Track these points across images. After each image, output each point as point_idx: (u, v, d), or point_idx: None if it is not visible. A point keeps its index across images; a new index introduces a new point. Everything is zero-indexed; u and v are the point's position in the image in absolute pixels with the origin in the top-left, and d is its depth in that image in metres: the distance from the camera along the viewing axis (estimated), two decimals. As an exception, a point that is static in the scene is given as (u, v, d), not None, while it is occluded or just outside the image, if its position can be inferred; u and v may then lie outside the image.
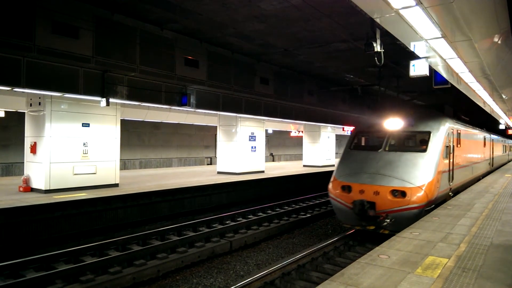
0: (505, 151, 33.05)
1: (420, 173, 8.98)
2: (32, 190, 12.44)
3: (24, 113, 13.28)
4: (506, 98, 13.60)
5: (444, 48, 6.52)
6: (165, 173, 20.53)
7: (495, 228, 7.19)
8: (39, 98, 12.19)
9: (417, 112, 11.34)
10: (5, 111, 18.18)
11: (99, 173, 13.42)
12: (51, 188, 12.07)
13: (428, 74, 7.45)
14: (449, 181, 10.65)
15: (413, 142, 10.73)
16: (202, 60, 13.09)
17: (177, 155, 30.88)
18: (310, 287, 7.25)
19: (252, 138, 20.55)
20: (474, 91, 11.21)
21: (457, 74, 8.58)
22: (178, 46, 12.17)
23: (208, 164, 31.67)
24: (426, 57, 7.04)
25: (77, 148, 12.80)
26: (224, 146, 20.29)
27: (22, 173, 13.29)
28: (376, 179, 9.09)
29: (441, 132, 9.84)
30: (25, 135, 13.10)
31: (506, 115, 20.36)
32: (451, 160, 10.78)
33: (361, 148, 10.92)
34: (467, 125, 14.81)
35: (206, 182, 16.02)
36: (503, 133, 32.71)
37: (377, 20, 5.32)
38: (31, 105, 12.70)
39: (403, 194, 8.68)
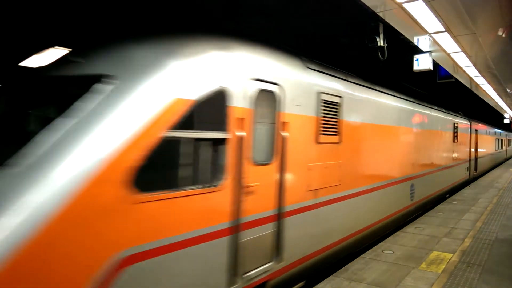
0: (501, 147, 26.07)
1: None
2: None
3: None
4: (511, 92, 13.51)
5: (448, 42, 6.48)
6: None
7: (500, 223, 7.16)
8: None
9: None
10: None
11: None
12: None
13: (431, 68, 7.38)
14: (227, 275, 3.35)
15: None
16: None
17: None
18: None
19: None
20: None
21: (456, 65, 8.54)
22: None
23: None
24: (430, 52, 6.99)
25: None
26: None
27: None
28: None
29: (156, 83, 2.87)
30: None
31: (510, 109, 20.25)
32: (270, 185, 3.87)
33: None
34: (391, 92, 7.17)
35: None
36: (508, 128, 31.46)
37: (380, 14, 5.28)
38: None
39: None
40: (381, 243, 5.84)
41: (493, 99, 15.37)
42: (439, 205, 8.99)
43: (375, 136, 6.28)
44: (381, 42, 6.51)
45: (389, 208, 6.82)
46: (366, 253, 5.34)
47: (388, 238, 6.12)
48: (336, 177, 4.99)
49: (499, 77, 10.18)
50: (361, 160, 5.78)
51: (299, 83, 4.32)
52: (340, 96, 5.07)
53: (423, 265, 4.79)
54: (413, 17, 5.18)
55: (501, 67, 8.97)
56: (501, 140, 25.73)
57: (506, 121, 27.52)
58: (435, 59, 7.60)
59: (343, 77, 5.39)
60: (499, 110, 20.84)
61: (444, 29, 5.74)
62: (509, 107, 19.14)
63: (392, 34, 6.50)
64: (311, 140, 4.49)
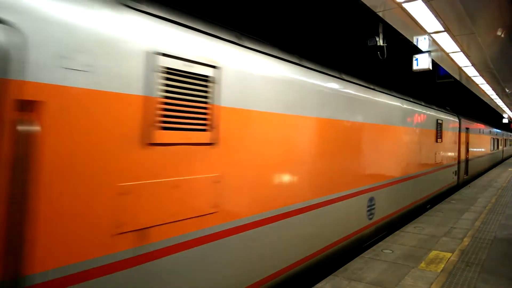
0: (497, 147, 24.88)
1: None
2: None
3: None
4: (509, 92, 13.54)
5: (447, 42, 6.50)
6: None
7: (499, 222, 7.18)
8: None
9: None
10: None
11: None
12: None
13: (431, 68, 7.40)
14: None
15: None
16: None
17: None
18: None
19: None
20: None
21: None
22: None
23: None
24: (429, 51, 7.01)
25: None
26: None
27: None
28: None
29: None
30: None
31: (509, 109, 20.28)
32: None
33: None
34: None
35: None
36: (506, 127, 31.40)
37: (380, 14, 5.29)
38: None
39: None
40: (380, 243, 5.85)
41: (492, 99, 15.39)
42: (438, 205, 9.00)
43: (300, 134, 4.22)
44: (380, 42, 6.53)
45: (326, 237, 4.74)
46: (365, 252, 5.35)
47: (387, 238, 6.13)
48: (207, 200, 2.99)
49: (498, 77, 10.21)
50: (270, 170, 3.74)
51: (89, 30, 2.24)
52: (214, 66, 3.03)
53: (423, 265, 4.80)
54: (413, 16, 5.20)
55: (500, 67, 9.00)
56: (497, 140, 24.35)
57: (505, 120, 27.58)
58: (434, 59, 7.62)
59: (226, 36, 3.30)
60: (495, 108, 20.84)
61: (443, 29, 5.75)
62: (507, 107, 19.19)
63: (390, 33, 6.50)
64: (130, 138, 2.47)
